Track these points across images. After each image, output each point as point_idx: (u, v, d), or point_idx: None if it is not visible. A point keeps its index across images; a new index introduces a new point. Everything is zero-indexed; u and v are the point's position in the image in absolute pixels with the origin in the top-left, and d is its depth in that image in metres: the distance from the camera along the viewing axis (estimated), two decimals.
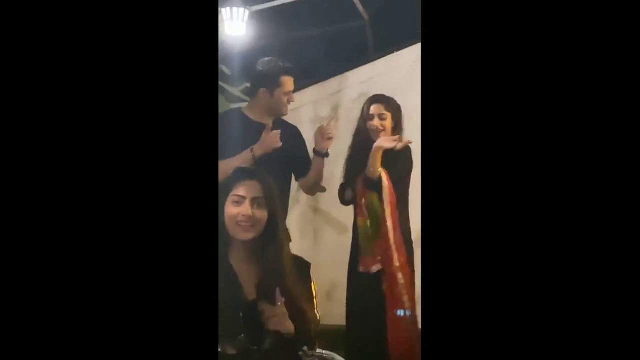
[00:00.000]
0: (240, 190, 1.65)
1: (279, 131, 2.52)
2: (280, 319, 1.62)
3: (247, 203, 1.64)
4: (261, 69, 2.63)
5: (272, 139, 2.49)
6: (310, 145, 2.78)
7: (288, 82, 2.56)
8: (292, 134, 2.68)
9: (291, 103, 2.68)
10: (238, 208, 1.64)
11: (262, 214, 1.65)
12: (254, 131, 2.53)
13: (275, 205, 1.72)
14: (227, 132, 2.48)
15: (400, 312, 2.83)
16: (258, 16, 4.48)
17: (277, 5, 4.66)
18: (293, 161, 2.57)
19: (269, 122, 2.59)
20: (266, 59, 2.76)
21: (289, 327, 1.62)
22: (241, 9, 4.14)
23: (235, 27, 4.19)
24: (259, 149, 2.47)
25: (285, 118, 3.08)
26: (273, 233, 1.70)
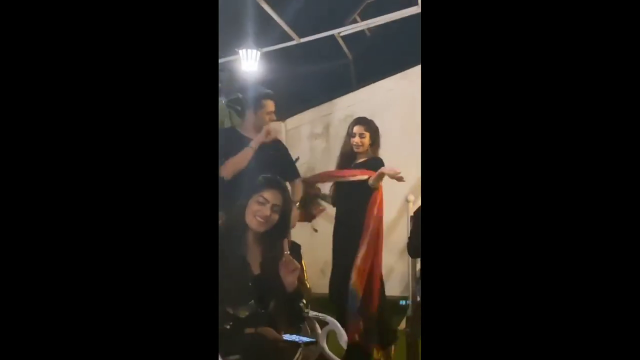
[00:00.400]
0: (266, 195, 1.86)
1: (271, 127, 2.73)
2: (295, 274, 1.85)
3: (268, 206, 1.85)
4: (249, 94, 2.84)
5: (271, 131, 2.69)
6: (298, 153, 3.16)
7: (269, 104, 2.75)
8: (277, 146, 2.85)
9: (274, 121, 2.84)
10: (260, 207, 1.86)
11: (275, 217, 1.86)
12: (244, 144, 2.72)
13: (287, 213, 1.94)
14: (226, 145, 2.61)
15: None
16: (267, 56, 4.60)
17: (282, 48, 4.78)
18: (281, 166, 2.66)
19: (264, 137, 2.73)
20: (251, 86, 3.10)
21: (293, 283, 1.86)
22: (254, 50, 4.30)
23: (250, 64, 4.34)
24: (255, 143, 2.64)
25: (282, 134, 3.25)
26: (280, 230, 1.93)
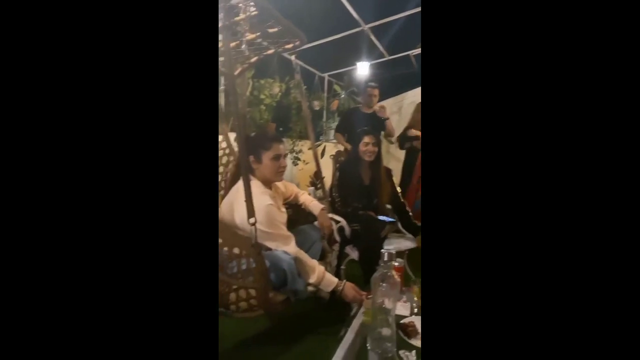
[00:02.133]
0: (366, 139, 2.43)
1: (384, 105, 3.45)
2: (392, 186, 2.36)
3: (370, 145, 2.41)
4: (362, 87, 3.74)
5: (383, 109, 3.43)
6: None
7: (374, 91, 3.54)
8: (376, 115, 3.49)
9: (383, 105, 3.50)
10: (367, 147, 2.43)
11: (376, 149, 2.42)
12: (361, 115, 3.58)
13: (380, 148, 2.41)
14: (351, 117, 3.67)
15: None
16: (372, 65, 5.42)
17: (379, 61, 5.47)
18: (375, 126, 3.15)
19: (369, 110, 3.50)
20: (364, 82, 3.88)
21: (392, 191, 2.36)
22: (366, 62, 5.17)
23: (363, 71, 5.37)
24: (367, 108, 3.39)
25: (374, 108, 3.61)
26: (379, 156, 2.43)
